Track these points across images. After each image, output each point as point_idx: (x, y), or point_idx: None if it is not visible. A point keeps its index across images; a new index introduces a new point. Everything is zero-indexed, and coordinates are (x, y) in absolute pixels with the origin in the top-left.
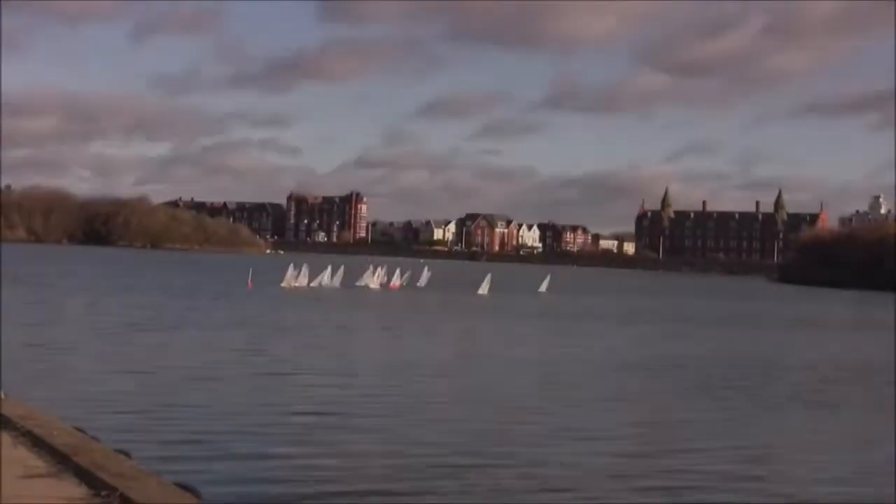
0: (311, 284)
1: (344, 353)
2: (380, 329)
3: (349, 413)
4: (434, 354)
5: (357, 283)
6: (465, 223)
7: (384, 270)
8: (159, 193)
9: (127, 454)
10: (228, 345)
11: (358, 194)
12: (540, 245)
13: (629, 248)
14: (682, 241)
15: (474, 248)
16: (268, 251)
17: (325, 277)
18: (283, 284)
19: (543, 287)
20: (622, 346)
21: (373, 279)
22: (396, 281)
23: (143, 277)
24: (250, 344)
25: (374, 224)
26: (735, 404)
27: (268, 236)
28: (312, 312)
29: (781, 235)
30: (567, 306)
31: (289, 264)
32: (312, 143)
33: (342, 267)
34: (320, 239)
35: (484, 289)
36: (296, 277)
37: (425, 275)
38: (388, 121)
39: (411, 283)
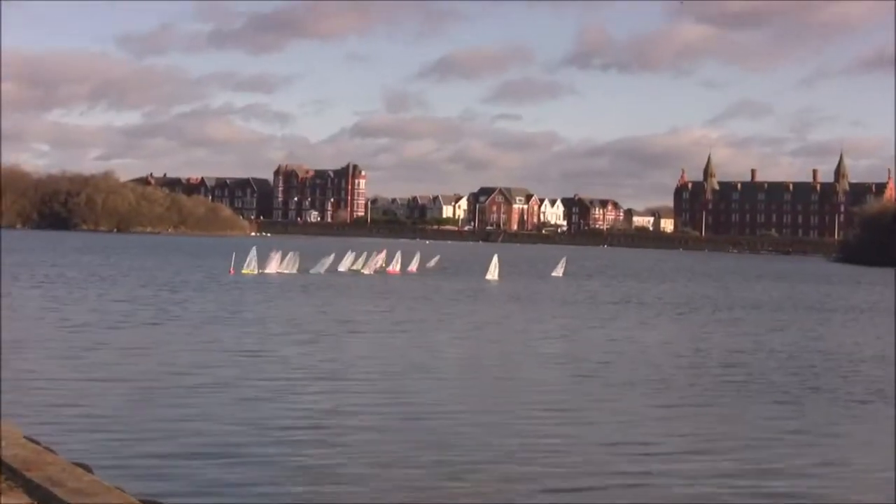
0: (283, 270)
1: (341, 352)
2: (383, 323)
3: (345, 425)
4: (447, 353)
5: (339, 269)
6: (479, 199)
7: (380, 254)
8: (127, 169)
9: (87, 468)
10: (210, 344)
11: (355, 167)
12: (564, 223)
13: (667, 225)
14: (728, 216)
15: (489, 228)
16: (253, 233)
17: (306, 263)
18: (244, 270)
19: (558, 270)
20: (671, 339)
21: (369, 263)
22: (397, 265)
23: (113, 266)
24: (235, 343)
25: (374, 201)
26: (812, 407)
27: (252, 216)
28: (301, 303)
29: (843, 208)
30: (598, 292)
31: (276, 247)
32: (303, 109)
33: (333, 254)
34: (313, 219)
35: (493, 273)
36: (258, 262)
37: (422, 258)
38: (390, 83)
39: (411, 266)
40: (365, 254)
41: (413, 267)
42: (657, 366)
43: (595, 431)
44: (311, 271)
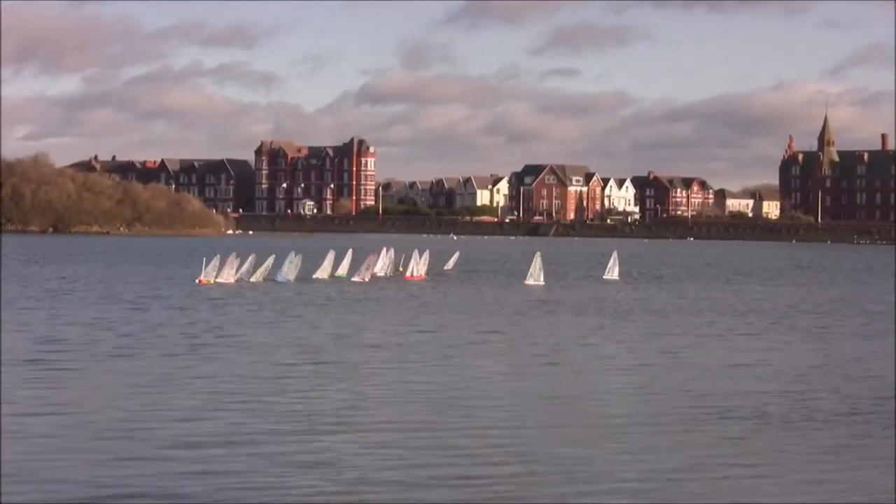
0: (251, 279)
1: (352, 383)
2: (423, 348)
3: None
4: (511, 387)
5: (315, 276)
6: (523, 180)
7: (375, 256)
8: (65, 151)
9: None
10: (180, 380)
11: (361, 142)
12: (636, 209)
13: (771, 209)
14: (851, 196)
15: (537, 218)
16: (229, 231)
17: (286, 267)
18: (200, 278)
19: (612, 271)
20: (813, 362)
21: (362, 269)
22: (419, 269)
23: (51, 277)
24: (213, 378)
25: (386, 186)
26: None
27: (229, 209)
28: (290, 321)
29: None
30: (694, 300)
31: (265, 249)
32: (294, 69)
33: (299, 255)
34: (307, 210)
35: (535, 276)
36: (220, 268)
37: (439, 258)
38: (407, 32)
39: (417, 271)
40: (350, 253)
41: (422, 272)
42: (799, 396)
43: None
44: (278, 278)
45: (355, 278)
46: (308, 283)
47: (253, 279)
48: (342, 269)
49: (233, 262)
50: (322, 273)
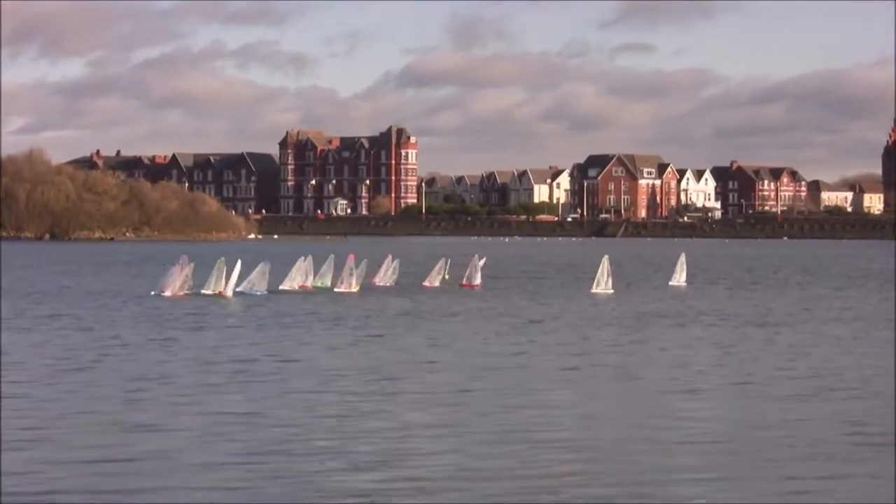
0: (214, 290)
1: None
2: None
3: None
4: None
5: (281, 286)
6: (587, 173)
7: (391, 263)
8: (64, 145)
9: None
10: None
11: (401, 131)
12: (717, 205)
13: (873, 202)
14: None
15: (603, 216)
16: (251, 235)
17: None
18: (165, 292)
19: (678, 276)
20: None
21: (350, 278)
22: (476, 275)
23: (48, 294)
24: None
25: (430, 182)
26: None
27: (250, 210)
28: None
29: None
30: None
31: (295, 256)
32: (329, 48)
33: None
34: (339, 210)
35: (602, 283)
36: (182, 279)
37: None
38: (456, 4)
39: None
40: (301, 260)
41: (474, 280)
42: None
43: None
44: (240, 289)
45: (340, 288)
46: (280, 297)
47: (206, 291)
48: (323, 279)
49: (187, 271)
50: (291, 283)
